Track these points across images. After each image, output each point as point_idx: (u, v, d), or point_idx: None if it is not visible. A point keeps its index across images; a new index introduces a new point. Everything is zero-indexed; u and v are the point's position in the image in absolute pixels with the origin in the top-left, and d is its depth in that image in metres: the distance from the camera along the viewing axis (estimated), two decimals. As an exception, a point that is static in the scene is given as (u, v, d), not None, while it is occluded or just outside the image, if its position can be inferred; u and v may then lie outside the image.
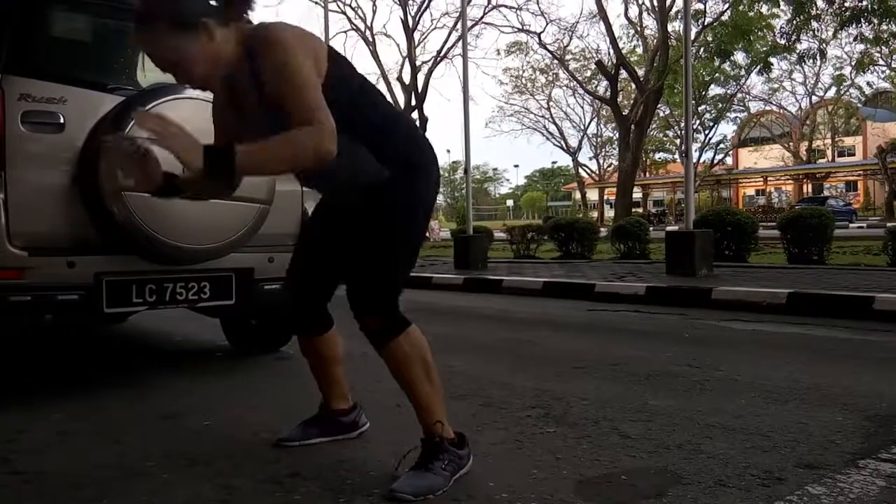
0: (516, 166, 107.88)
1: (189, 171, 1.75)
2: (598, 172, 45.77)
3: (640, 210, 38.27)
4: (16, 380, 3.35)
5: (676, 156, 41.65)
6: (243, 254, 3.19)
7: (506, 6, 23.26)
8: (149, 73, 3.26)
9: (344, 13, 23.89)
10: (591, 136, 42.66)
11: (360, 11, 27.88)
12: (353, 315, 1.96)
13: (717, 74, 29.81)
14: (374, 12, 34.25)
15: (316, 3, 21.67)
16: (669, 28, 20.73)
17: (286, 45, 1.71)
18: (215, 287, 3.16)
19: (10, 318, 2.80)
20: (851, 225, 22.19)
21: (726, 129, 54.98)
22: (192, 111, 3.00)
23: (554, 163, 72.49)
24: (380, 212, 1.92)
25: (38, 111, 2.80)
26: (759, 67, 25.32)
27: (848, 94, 38.20)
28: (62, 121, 2.84)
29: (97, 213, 2.84)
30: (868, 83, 36.84)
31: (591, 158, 45.82)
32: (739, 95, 35.30)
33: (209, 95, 3.01)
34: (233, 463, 2.05)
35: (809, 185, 39.84)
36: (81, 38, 3.24)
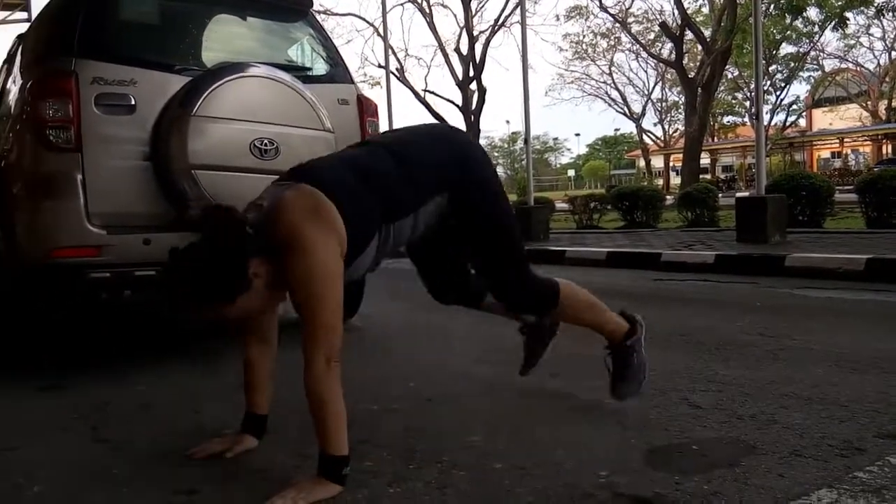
0: (577, 135, 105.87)
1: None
2: (663, 139, 44.56)
3: (709, 176, 37.15)
4: (99, 353, 3.52)
5: (746, 119, 40.16)
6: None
7: (565, -30, 22.70)
8: (213, 52, 3.34)
9: (401, -15, 23.76)
10: (655, 101, 41.50)
11: (417, -17, 27.68)
12: (511, 312, 2.30)
13: (788, 32, 28.45)
14: (432, -17, 34.01)
15: (373, -24, 21.58)
16: (737, -15, 19.89)
17: (307, 246, 1.65)
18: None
19: (90, 293, 2.94)
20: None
21: (799, 89, 52.69)
22: (259, 89, 3.07)
23: (617, 130, 70.88)
24: (469, 220, 2.04)
25: (111, 93, 2.90)
26: (833, 23, 24.03)
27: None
28: (133, 102, 2.94)
29: (170, 191, 2.94)
30: (954, 35, 34.65)
31: (655, 124, 44.64)
32: (813, 53, 33.63)
33: (274, 72, 3.06)
34: (305, 432, 2.10)
35: (890, 146, 37.85)
36: (149, 21, 3.33)
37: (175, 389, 2.73)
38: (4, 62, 4.01)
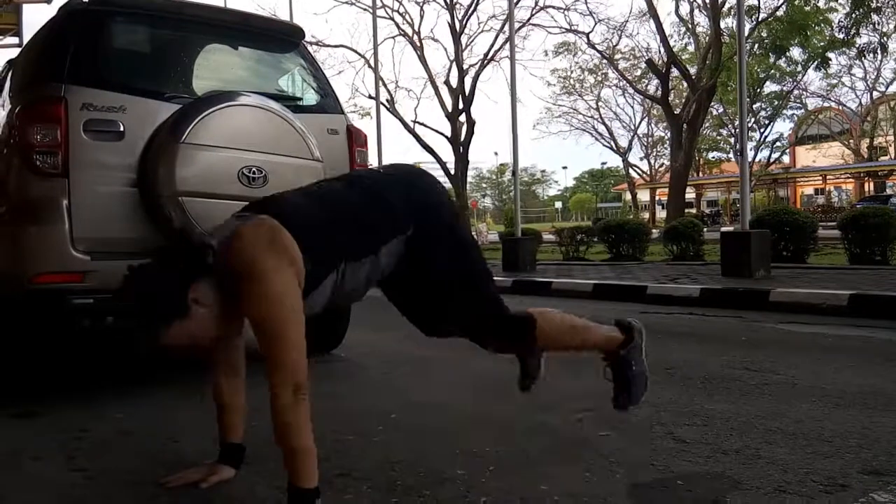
0: (565, 168, 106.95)
1: None
2: (649, 173, 44.99)
3: (694, 210, 37.49)
4: (78, 380, 3.47)
5: (731, 155, 40.64)
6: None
7: (553, 7, 23.03)
8: (204, 80, 3.35)
9: (392, 19, 24.04)
10: (641, 135, 41.95)
11: (407, 17, 28.00)
12: (483, 347, 2.18)
13: (772, 71, 29.01)
14: (422, 17, 34.38)
15: (364, 9, 21.84)
16: (722, 24, 20.24)
17: (263, 275, 1.64)
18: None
19: (73, 320, 2.91)
20: (917, 224, 21.29)
21: (783, 126, 53.51)
22: (248, 118, 3.08)
23: (603, 163, 71.58)
24: (427, 265, 1.99)
25: (100, 119, 2.90)
26: (816, 63, 24.53)
27: (912, 88, 36.77)
28: (122, 129, 2.94)
29: (156, 217, 2.93)
30: (933, 77, 35.41)
31: (641, 159, 45.08)
32: (796, 92, 34.25)
33: (264, 101, 3.08)
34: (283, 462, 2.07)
35: (871, 184, 38.43)
36: (140, 49, 3.35)
37: (154, 418, 2.69)
38: (-6, 87, 4.01)
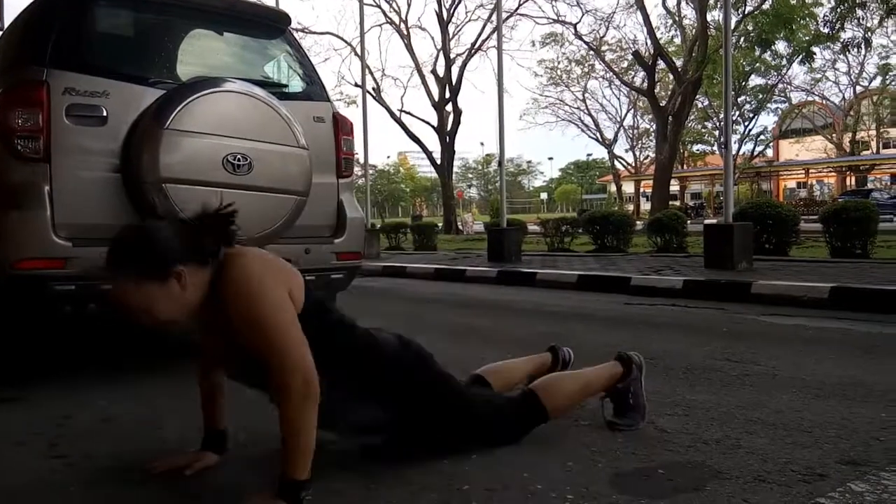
0: (550, 159, 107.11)
1: None
2: (634, 165, 45.17)
3: (678, 203, 37.71)
4: (61, 366, 3.44)
5: (715, 148, 40.87)
6: (280, 245, 3.23)
7: (541, -3, 23.04)
8: (189, 66, 3.32)
9: (379, 6, 23.95)
10: (627, 127, 42.09)
11: (394, 4, 27.94)
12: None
13: (757, 64, 29.15)
14: (409, 5, 34.29)
15: (351, -4, 21.71)
16: (708, 17, 20.32)
17: (254, 296, 1.64)
18: (253, 278, 3.20)
19: (54, 306, 2.88)
20: (897, 218, 21.57)
21: (767, 120, 53.93)
22: (233, 104, 3.06)
23: (589, 155, 71.72)
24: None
25: (82, 104, 2.87)
26: (801, 57, 24.65)
27: (894, 83, 37.10)
28: (105, 114, 2.91)
29: (139, 204, 2.91)
30: (915, 72, 35.76)
31: (627, 150, 45.22)
32: (780, 86, 34.46)
33: (249, 88, 3.05)
34: (267, 448, 2.07)
35: (853, 178, 38.82)
36: (124, 33, 3.31)
37: (137, 405, 2.68)
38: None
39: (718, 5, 18.60)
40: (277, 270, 1.73)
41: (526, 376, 2.44)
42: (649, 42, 22.81)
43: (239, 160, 3.01)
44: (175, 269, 1.65)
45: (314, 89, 3.68)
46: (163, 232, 1.71)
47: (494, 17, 16.20)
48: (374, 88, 23.94)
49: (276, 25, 3.70)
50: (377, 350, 1.92)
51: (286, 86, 3.67)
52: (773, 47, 23.64)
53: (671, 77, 23.48)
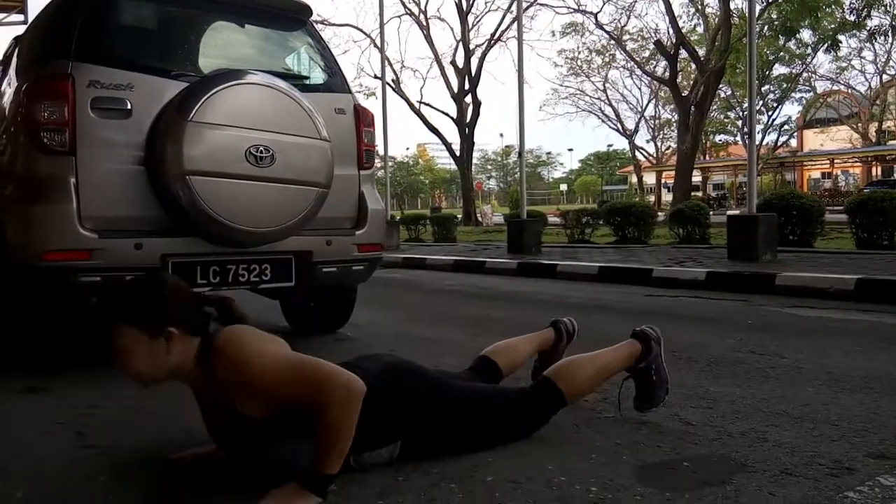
0: (570, 150, 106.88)
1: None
2: (655, 155, 44.80)
3: (700, 194, 37.36)
4: (87, 357, 3.48)
5: (738, 138, 40.44)
6: (302, 237, 3.24)
7: (561, -14, 22.89)
8: (211, 58, 3.34)
9: (398, -2, 23.89)
10: (648, 118, 41.76)
11: (414, -5, 27.81)
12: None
13: (781, 53, 28.76)
14: (429, -4, 34.12)
15: (371, -12, 21.70)
16: (732, 5, 20.08)
17: (256, 355, 1.68)
18: (276, 269, 3.23)
19: (80, 297, 2.92)
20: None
21: (791, 109, 53.23)
22: (256, 97, 3.07)
23: (609, 146, 71.26)
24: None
25: (107, 97, 2.89)
26: (826, 45, 24.28)
27: (922, 71, 36.43)
28: (129, 107, 2.93)
29: (163, 196, 2.93)
30: (944, 60, 35.04)
31: (648, 141, 44.89)
32: (805, 75, 34.00)
33: (271, 80, 3.06)
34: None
35: (879, 168, 38.18)
36: (147, 26, 3.33)
37: (163, 395, 2.69)
38: (0, 64, 4.00)
39: (742, -7, 18.38)
40: (268, 337, 1.79)
41: (533, 352, 2.49)
42: (671, 31, 22.59)
43: (261, 152, 3.02)
44: (168, 328, 1.69)
45: (335, 81, 3.68)
46: (175, 290, 1.77)
47: (514, 7, 16.12)
48: (393, 80, 23.95)
49: (297, 17, 3.70)
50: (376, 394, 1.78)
51: (307, 77, 3.67)
52: (797, 35, 23.26)
53: (693, 66, 23.24)
